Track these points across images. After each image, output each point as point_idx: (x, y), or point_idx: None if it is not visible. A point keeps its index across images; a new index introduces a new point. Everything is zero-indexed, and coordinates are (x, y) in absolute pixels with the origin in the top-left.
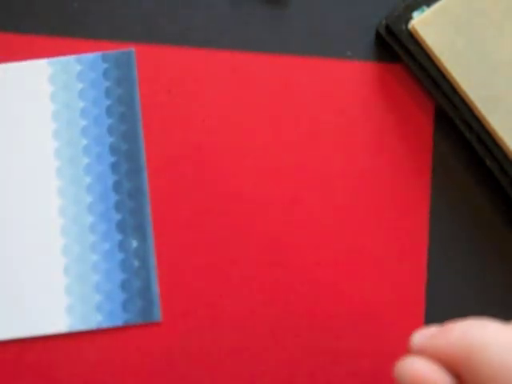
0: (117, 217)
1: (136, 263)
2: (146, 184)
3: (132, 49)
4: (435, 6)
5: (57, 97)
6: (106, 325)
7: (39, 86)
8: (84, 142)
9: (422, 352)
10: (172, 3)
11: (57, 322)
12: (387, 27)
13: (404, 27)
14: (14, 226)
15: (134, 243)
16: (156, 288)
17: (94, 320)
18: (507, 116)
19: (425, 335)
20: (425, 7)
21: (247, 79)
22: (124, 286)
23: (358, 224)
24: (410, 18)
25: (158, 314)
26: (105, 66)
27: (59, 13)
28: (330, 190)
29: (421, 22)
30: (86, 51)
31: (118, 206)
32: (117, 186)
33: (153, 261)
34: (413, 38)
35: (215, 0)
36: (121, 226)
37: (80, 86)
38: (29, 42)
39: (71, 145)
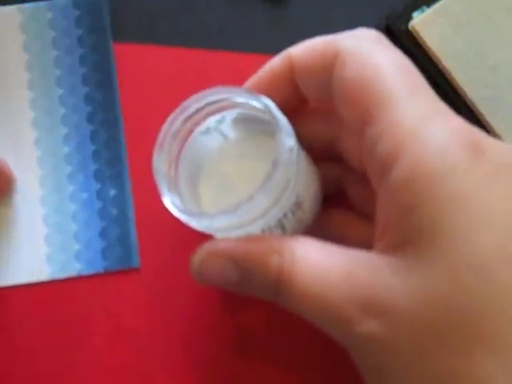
0: (94, 166)
1: (114, 211)
2: (122, 133)
3: None
4: (435, 6)
5: (30, 46)
6: (85, 272)
7: (11, 35)
8: (59, 92)
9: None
10: (172, 3)
11: (37, 270)
12: (387, 27)
13: (404, 27)
14: None
15: (112, 192)
16: (134, 235)
17: (73, 268)
18: (507, 116)
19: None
20: (425, 7)
21: (247, 79)
22: (103, 233)
23: None
24: (410, 17)
25: (136, 261)
26: (76, 12)
27: None
28: None
29: (421, 21)
30: None
31: (95, 156)
32: (93, 136)
33: (131, 208)
34: (413, 37)
35: (215, 0)
36: (98, 175)
37: (52, 34)
38: None
39: (46, 95)
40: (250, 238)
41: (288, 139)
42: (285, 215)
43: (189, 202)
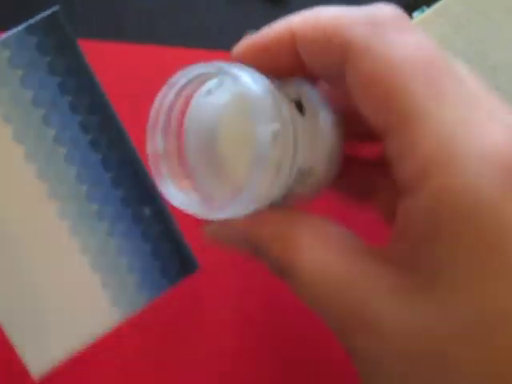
0: (118, 193)
1: (157, 228)
2: (134, 151)
3: (56, 7)
4: (435, 6)
5: None
6: (154, 296)
7: None
8: (51, 132)
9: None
10: (172, 3)
11: (107, 317)
12: None
13: None
14: (21, 246)
15: (146, 210)
16: (185, 241)
17: (142, 299)
18: None
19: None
20: (425, 7)
21: None
22: (154, 254)
23: None
24: (410, 18)
25: (196, 264)
26: (35, 39)
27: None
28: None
29: (421, 21)
30: (88, 51)
31: (114, 183)
32: (105, 163)
33: (171, 218)
34: None
35: (215, 0)
36: (126, 201)
37: (18, 73)
38: None
39: (39, 141)
40: (256, 220)
41: (267, 124)
42: (290, 189)
43: (206, 176)
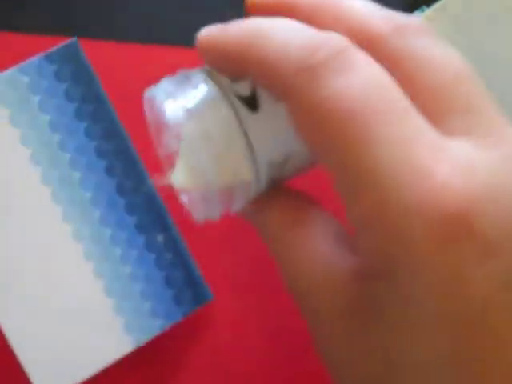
0: (132, 219)
1: (170, 256)
2: (147, 177)
3: (74, 38)
4: (435, 6)
5: (17, 119)
6: (167, 326)
7: None
8: (67, 156)
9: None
10: (172, 3)
11: (120, 344)
12: None
13: None
14: (34, 270)
15: (160, 238)
16: (198, 271)
17: (154, 327)
18: (507, 116)
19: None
20: (425, 7)
21: None
22: (168, 282)
23: None
24: None
25: (209, 294)
26: (54, 67)
27: (60, 13)
28: None
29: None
30: (89, 51)
31: (128, 209)
32: (120, 189)
33: (184, 247)
34: None
35: (215, 0)
36: (140, 227)
37: (36, 98)
38: (26, 42)
39: (55, 165)
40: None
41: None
42: (273, 179)
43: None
